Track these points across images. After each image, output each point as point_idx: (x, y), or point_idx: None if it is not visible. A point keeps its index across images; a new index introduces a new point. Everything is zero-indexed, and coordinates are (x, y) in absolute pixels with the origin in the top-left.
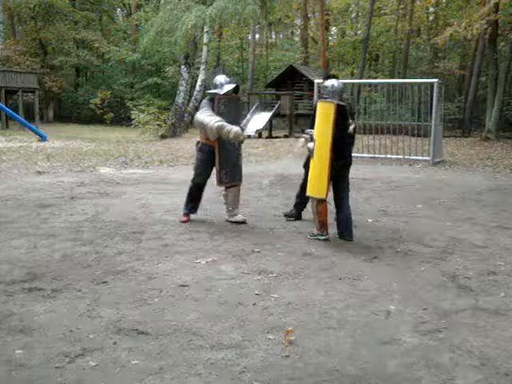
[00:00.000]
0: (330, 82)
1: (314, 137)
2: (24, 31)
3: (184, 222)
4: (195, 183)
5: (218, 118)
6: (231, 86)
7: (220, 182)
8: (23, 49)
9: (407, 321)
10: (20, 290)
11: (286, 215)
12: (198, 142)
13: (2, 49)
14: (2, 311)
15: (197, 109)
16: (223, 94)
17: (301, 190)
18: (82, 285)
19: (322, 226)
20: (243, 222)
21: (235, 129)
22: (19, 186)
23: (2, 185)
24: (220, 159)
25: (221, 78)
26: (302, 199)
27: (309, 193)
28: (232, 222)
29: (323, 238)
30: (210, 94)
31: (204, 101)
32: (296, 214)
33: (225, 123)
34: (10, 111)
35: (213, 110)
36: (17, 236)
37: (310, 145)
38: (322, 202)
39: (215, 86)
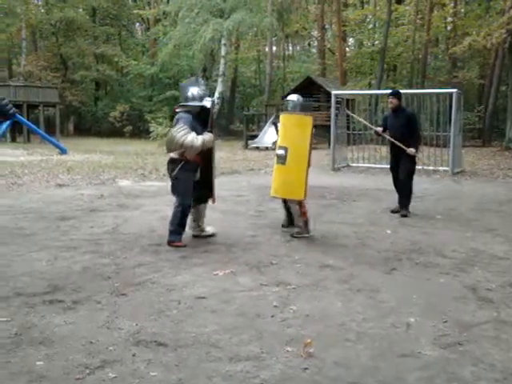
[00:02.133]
0: (293, 97)
1: (285, 145)
2: (45, 47)
3: (182, 246)
4: (186, 206)
5: (194, 134)
6: (209, 101)
7: (214, 199)
8: (45, 64)
9: (427, 333)
10: (41, 302)
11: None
12: (175, 161)
13: (25, 64)
14: (23, 323)
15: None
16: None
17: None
18: (102, 297)
19: (306, 225)
20: (213, 235)
21: (209, 136)
22: (40, 198)
23: (24, 198)
24: (213, 174)
25: (199, 91)
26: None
27: (286, 196)
28: (205, 236)
29: (308, 235)
30: (190, 106)
31: (182, 114)
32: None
33: (204, 136)
34: (32, 125)
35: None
36: (38, 248)
37: (280, 152)
38: (301, 203)
39: (194, 99)
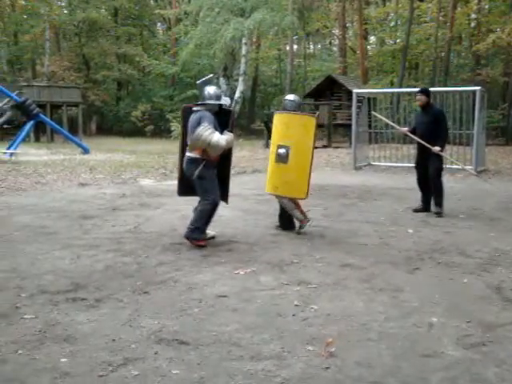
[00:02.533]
0: (292, 97)
1: (287, 144)
2: (68, 47)
3: (204, 245)
4: (216, 203)
5: (218, 133)
6: (227, 100)
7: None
8: (68, 64)
9: (450, 333)
10: (64, 300)
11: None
12: (197, 160)
13: (48, 65)
14: (48, 320)
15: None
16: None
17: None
18: (124, 295)
19: (303, 213)
20: (214, 237)
21: (231, 136)
22: (63, 197)
23: (47, 197)
24: (228, 174)
25: (215, 89)
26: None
27: (287, 194)
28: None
29: (310, 224)
30: (210, 105)
31: (205, 113)
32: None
33: (227, 136)
34: (55, 125)
35: (224, 123)
36: (61, 247)
37: (281, 151)
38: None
39: (211, 97)
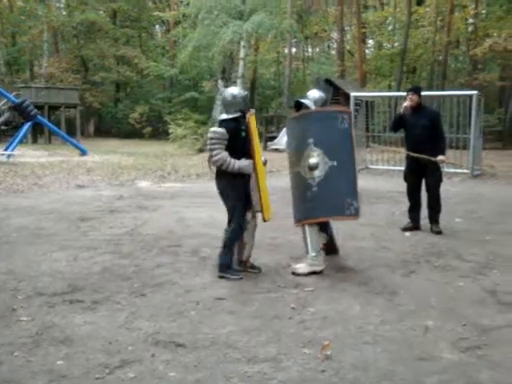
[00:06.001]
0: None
1: None
2: (67, 49)
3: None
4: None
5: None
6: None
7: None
8: (66, 66)
9: (446, 337)
10: (61, 302)
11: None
12: None
13: (46, 66)
14: (45, 322)
15: None
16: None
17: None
18: (121, 297)
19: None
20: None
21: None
22: (60, 199)
23: (45, 198)
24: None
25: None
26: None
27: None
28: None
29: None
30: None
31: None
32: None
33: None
34: (53, 126)
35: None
36: (58, 248)
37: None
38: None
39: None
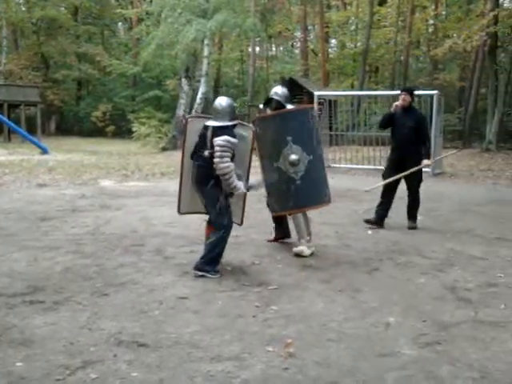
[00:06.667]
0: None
1: None
2: (26, 45)
3: None
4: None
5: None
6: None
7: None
8: (26, 63)
9: (406, 333)
10: (21, 303)
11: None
12: None
13: (5, 63)
14: (3, 324)
15: None
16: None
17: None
18: (83, 297)
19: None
20: None
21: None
22: (21, 198)
23: (4, 197)
24: None
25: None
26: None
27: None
28: None
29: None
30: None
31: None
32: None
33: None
34: (12, 124)
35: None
36: (18, 249)
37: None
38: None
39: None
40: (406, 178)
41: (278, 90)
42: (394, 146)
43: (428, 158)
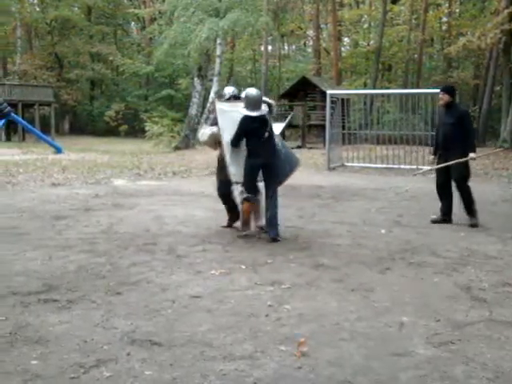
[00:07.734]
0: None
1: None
2: (41, 46)
3: None
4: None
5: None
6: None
7: None
8: (40, 63)
9: (420, 332)
10: (36, 301)
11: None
12: None
13: (20, 63)
14: (18, 322)
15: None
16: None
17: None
18: (97, 296)
19: (244, 224)
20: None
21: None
22: (35, 197)
23: (18, 197)
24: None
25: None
26: None
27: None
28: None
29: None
30: None
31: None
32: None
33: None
34: (27, 124)
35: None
36: (32, 248)
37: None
38: (247, 201)
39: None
40: (452, 173)
41: (253, 91)
42: (437, 144)
43: (473, 151)
